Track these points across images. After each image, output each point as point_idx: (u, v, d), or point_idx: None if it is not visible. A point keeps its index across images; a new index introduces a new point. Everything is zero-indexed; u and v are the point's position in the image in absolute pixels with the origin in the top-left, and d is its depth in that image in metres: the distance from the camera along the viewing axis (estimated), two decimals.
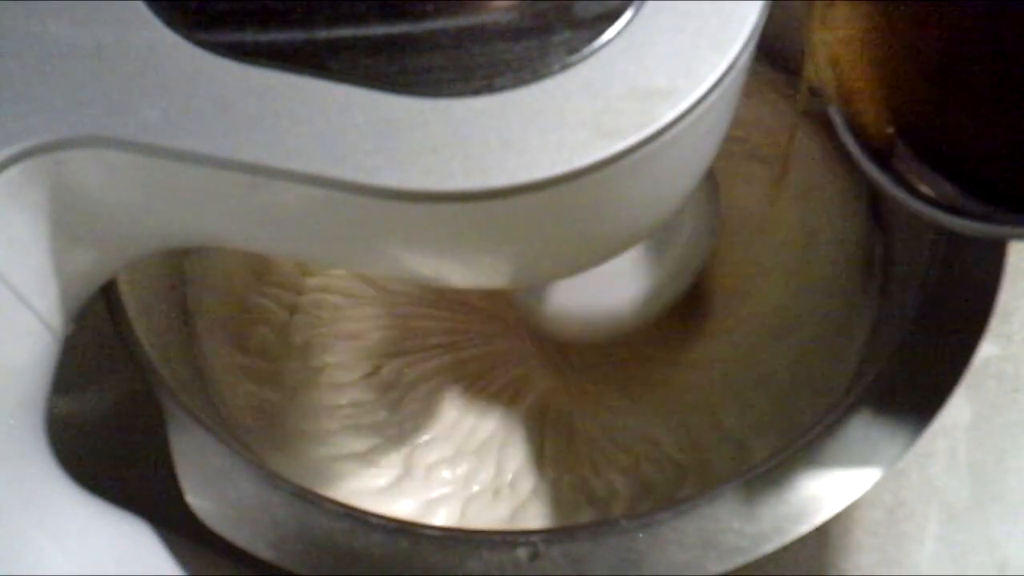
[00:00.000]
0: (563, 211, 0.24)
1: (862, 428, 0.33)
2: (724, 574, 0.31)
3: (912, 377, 0.34)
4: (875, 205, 0.44)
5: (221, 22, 0.22)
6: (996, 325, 0.43)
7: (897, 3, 0.29)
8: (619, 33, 0.22)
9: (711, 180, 0.40)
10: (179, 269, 0.44)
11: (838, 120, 0.30)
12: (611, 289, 0.39)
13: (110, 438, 0.46)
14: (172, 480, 0.32)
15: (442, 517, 0.41)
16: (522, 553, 0.31)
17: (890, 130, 0.29)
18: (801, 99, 0.31)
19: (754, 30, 0.22)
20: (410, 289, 0.46)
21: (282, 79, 0.22)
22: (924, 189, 0.29)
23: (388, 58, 0.22)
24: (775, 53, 0.42)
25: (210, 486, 0.32)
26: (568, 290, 0.39)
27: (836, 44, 0.29)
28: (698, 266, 0.41)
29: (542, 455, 0.43)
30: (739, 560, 0.31)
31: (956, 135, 0.29)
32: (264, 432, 0.42)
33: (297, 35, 0.22)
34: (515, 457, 0.43)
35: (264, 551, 0.31)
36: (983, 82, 0.29)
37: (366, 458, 0.43)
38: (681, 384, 0.44)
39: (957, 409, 0.46)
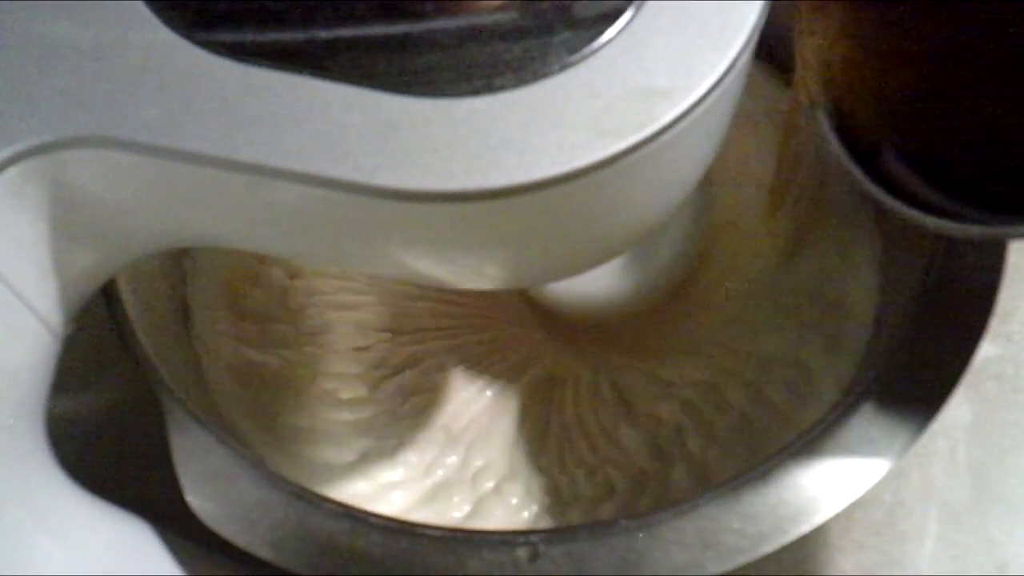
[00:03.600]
0: (563, 211, 0.24)
1: (862, 428, 0.33)
2: (724, 574, 0.31)
3: (912, 377, 0.34)
4: (877, 205, 0.44)
5: (221, 22, 0.22)
6: (996, 325, 0.42)
7: (886, 7, 0.29)
8: (619, 33, 0.22)
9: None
10: (179, 269, 0.44)
11: (823, 120, 0.30)
12: (606, 275, 0.40)
13: (110, 438, 0.46)
14: (172, 480, 0.32)
15: (444, 509, 0.41)
16: (522, 553, 0.31)
17: (876, 131, 0.29)
18: (794, 101, 0.31)
19: (754, 30, 0.22)
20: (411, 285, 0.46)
21: (282, 79, 0.22)
22: (906, 188, 0.29)
23: (388, 58, 0.22)
24: (775, 53, 0.42)
25: (210, 486, 0.32)
26: None
27: (825, 47, 0.29)
28: (691, 255, 0.41)
29: (546, 436, 0.43)
30: (739, 560, 0.31)
31: (941, 137, 0.29)
32: (264, 431, 0.42)
33: (297, 35, 0.22)
34: (518, 441, 0.43)
35: (264, 551, 0.31)
36: (968, 86, 0.29)
37: (368, 455, 0.43)
38: (678, 370, 0.44)
39: (957, 409, 0.46)
